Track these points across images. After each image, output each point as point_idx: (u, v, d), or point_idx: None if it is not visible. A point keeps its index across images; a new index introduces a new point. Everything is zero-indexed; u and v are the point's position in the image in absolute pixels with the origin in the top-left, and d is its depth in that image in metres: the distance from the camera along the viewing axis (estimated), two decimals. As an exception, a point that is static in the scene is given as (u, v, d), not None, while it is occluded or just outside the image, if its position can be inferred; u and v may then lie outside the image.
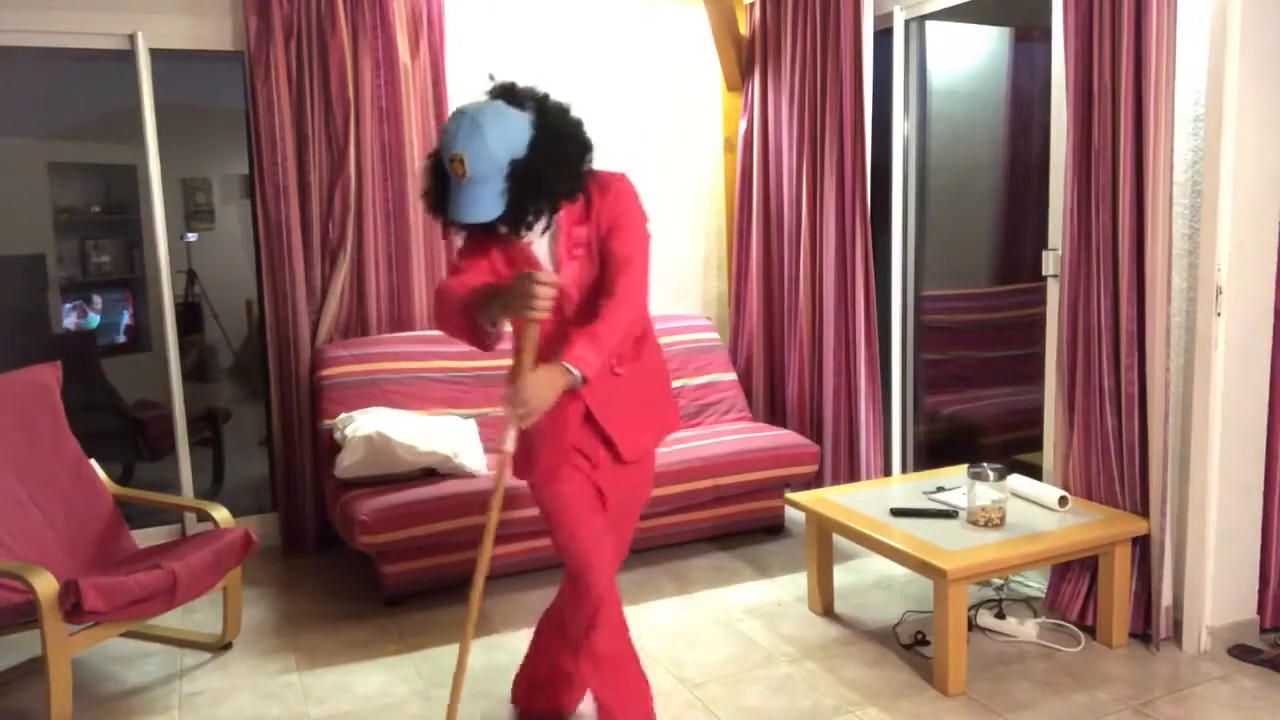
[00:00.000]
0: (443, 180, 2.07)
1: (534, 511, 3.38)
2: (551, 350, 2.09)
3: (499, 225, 2.06)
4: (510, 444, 2.07)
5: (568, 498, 2.26)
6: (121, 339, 6.30)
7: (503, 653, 3.05)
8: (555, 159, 2.02)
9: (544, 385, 1.97)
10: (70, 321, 6.03)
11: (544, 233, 2.14)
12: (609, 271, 2.12)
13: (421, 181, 2.14)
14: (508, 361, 4.10)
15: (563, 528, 2.26)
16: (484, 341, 2.15)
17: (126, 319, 6.37)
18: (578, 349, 2.00)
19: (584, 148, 2.11)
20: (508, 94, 2.08)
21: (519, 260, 2.18)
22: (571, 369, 1.99)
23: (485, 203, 2.00)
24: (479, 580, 2.12)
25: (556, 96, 2.12)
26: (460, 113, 2.01)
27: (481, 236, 2.18)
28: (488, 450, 3.72)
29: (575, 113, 2.12)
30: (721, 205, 4.80)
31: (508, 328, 2.22)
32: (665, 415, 2.41)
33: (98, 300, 6.22)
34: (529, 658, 2.62)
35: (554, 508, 2.27)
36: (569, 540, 2.25)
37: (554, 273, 2.15)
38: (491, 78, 2.11)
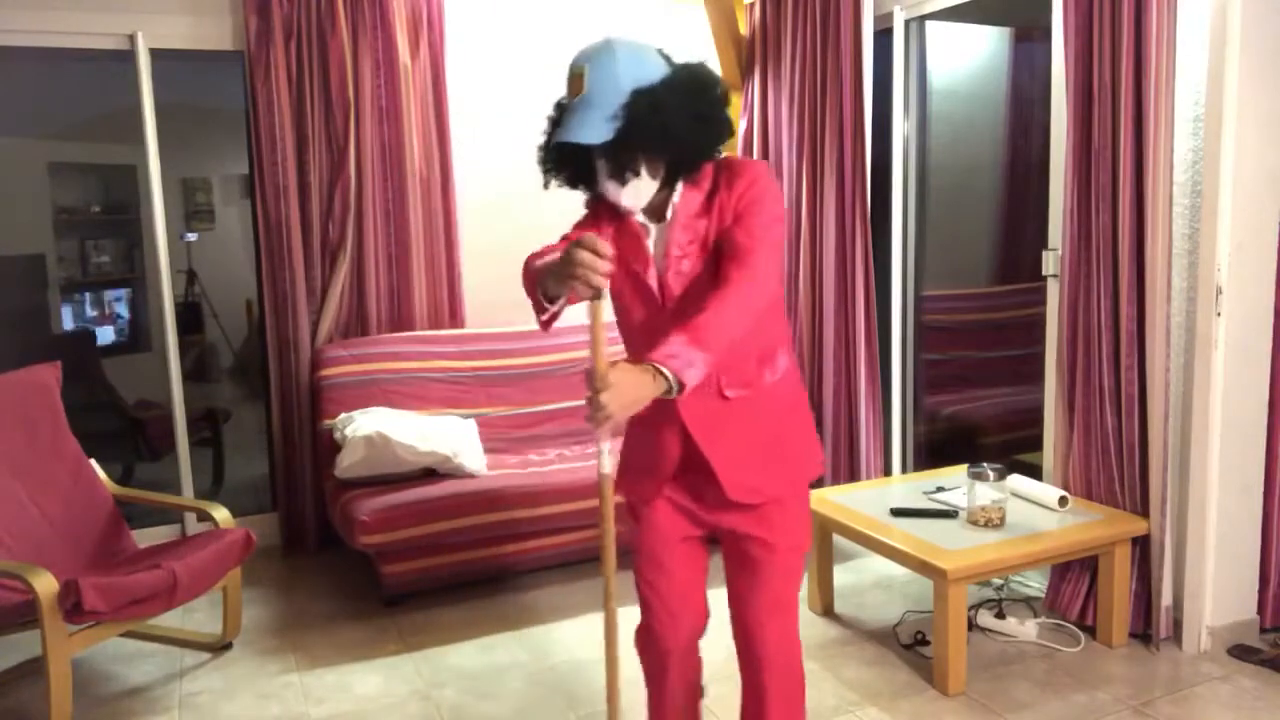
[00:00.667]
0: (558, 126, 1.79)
1: (527, 512, 3.38)
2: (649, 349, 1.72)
3: (599, 160, 1.78)
4: (607, 464, 1.75)
5: (660, 539, 1.97)
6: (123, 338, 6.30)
7: (502, 653, 3.05)
8: (681, 106, 1.73)
9: (626, 387, 1.59)
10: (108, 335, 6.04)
11: (660, 221, 1.85)
12: (725, 262, 1.76)
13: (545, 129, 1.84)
14: (509, 361, 4.11)
15: (637, 566, 2.00)
16: (540, 318, 1.84)
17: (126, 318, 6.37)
18: (671, 345, 1.62)
19: (720, 115, 1.80)
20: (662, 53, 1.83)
21: (628, 245, 1.87)
22: (663, 370, 1.60)
23: (593, 124, 1.71)
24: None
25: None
26: (603, 38, 1.78)
27: (599, 213, 1.91)
28: (487, 450, 3.72)
29: (723, 86, 1.85)
30: (721, 205, 4.79)
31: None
32: (798, 456, 1.97)
33: (120, 311, 6.24)
34: None
35: (638, 541, 1.99)
36: (638, 581, 2.01)
37: (660, 267, 1.85)
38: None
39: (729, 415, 1.88)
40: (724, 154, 1.86)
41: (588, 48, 1.76)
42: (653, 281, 1.86)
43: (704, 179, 1.82)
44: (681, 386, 1.62)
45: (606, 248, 1.63)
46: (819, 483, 4.10)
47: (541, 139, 1.84)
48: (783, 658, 1.97)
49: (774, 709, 1.98)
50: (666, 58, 1.81)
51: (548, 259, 1.77)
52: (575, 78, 1.75)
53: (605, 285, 1.65)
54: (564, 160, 1.82)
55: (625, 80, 1.71)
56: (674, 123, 1.72)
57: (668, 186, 1.81)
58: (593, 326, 1.69)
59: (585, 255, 1.60)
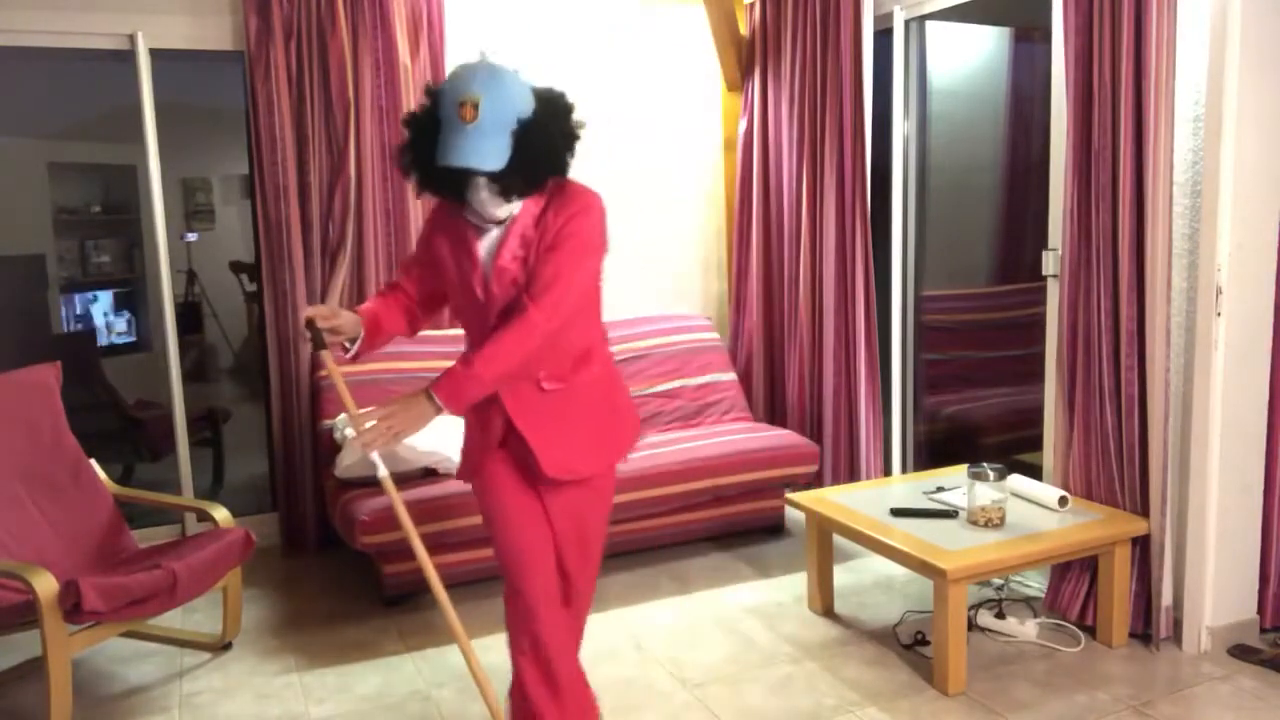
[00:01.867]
0: (428, 133, 1.97)
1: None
2: (477, 336, 2.12)
3: (489, 185, 1.97)
4: (382, 470, 2.10)
5: (496, 495, 2.19)
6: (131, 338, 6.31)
7: (501, 654, 3.05)
8: (556, 132, 1.99)
9: (408, 412, 1.98)
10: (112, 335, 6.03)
11: (499, 226, 2.06)
12: (528, 290, 2.02)
13: (408, 141, 2.02)
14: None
15: (492, 525, 2.20)
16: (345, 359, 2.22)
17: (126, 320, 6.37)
18: (448, 376, 1.98)
19: (575, 135, 2.05)
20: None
21: (459, 245, 2.11)
22: (435, 399, 1.97)
23: (489, 153, 1.91)
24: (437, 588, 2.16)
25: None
26: (473, 64, 1.94)
27: (443, 218, 2.13)
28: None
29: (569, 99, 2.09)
30: (721, 205, 4.80)
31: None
32: (609, 438, 2.24)
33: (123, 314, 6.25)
34: None
35: (483, 505, 2.22)
36: (497, 539, 2.20)
37: (484, 272, 2.09)
38: (483, 54, 2.03)
39: (546, 405, 2.15)
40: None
41: (473, 74, 1.92)
42: (477, 283, 2.08)
43: (542, 193, 2.06)
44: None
45: (306, 318, 2.10)
46: (818, 479, 4.10)
47: (407, 149, 2.02)
48: (588, 595, 2.34)
49: (576, 627, 2.33)
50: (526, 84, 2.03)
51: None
52: (468, 105, 1.90)
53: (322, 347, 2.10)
54: (442, 176, 1.98)
55: (513, 109, 1.93)
56: (554, 151, 1.99)
57: (521, 199, 2.04)
58: (331, 376, 2.17)
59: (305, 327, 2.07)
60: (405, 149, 2.02)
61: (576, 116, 2.05)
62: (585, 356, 2.18)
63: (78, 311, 6.12)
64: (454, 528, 3.28)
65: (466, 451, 2.26)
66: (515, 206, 2.03)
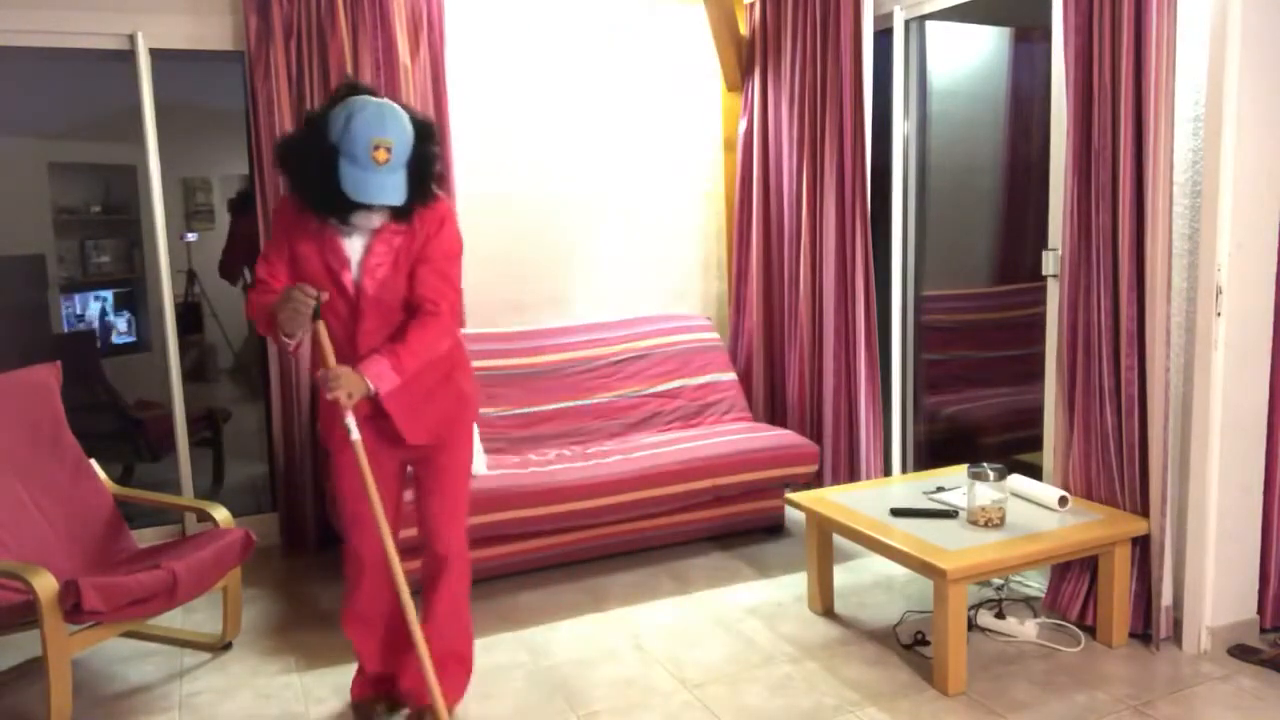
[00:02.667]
0: (323, 167, 2.19)
1: (527, 512, 3.38)
2: (345, 345, 2.38)
3: (390, 209, 2.29)
4: (354, 431, 2.35)
5: (348, 466, 2.50)
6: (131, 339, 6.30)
7: (502, 653, 3.05)
8: (433, 159, 2.31)
9: (353, 383, 2.28)
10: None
11: (366, 231, 2.34)
12: (422, 293, 2.35)
13: (290, 166, 2.26)
14: (509, 361, 4.11)
15: (340, 492, 2.54)
16: (286, 350, 2.41)
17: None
18: (378, 368, 2.30)
19: (439, 159, 2.39)
20: (371, 93, 2.27)
21: (328, 246, 2.34)
22: (369, 383, 2.29)
23: (399, 187, 2.23)
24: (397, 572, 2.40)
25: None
26: (373, 101, 2.20)
27: (299, 219, 2.34)
28: (487, 450, 3.72)
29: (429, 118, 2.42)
30: (721, 205, 4.80)
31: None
32: (458, 407, 2.55)
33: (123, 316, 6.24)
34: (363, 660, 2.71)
35: (338, 471, 2.53)
36: (343, 507, 2.54)
37: (359, 269, 2.35)
38: (348, 77, 2.36)
39: (405, 384, 2.40)
40: None
41: (382, 117, 2.17)
42: (348, 280, 2.35)
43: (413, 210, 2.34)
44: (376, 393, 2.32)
45: (318, 293, 2.28)
46: (818, 479, 4.10)
47: (302, 184, 2.26)
48: (461, 556, 2.60)
49: (450, 593, 2.59)
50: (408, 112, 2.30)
51: (270, 304, 2.32)
52: (381, 149, 2.17)
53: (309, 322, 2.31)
54: (336, 200, 2.22)
55: (408, 145, 2.23)
56: (433, 172, 2.32)
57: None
58: (319, 341, 2.33)
59: (299, 294, 2.24)
60: (301, 175, 2.25)
61: (435, 129, 2.37)
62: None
63: (78, 311, 6.12)
64: (454, 528, 3.28)
65: (334, 425, 2.47)
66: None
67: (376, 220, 2.30)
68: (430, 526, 2.57)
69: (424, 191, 2.31)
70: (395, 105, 2.23)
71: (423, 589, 2.62)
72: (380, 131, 2.16)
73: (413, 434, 2.47)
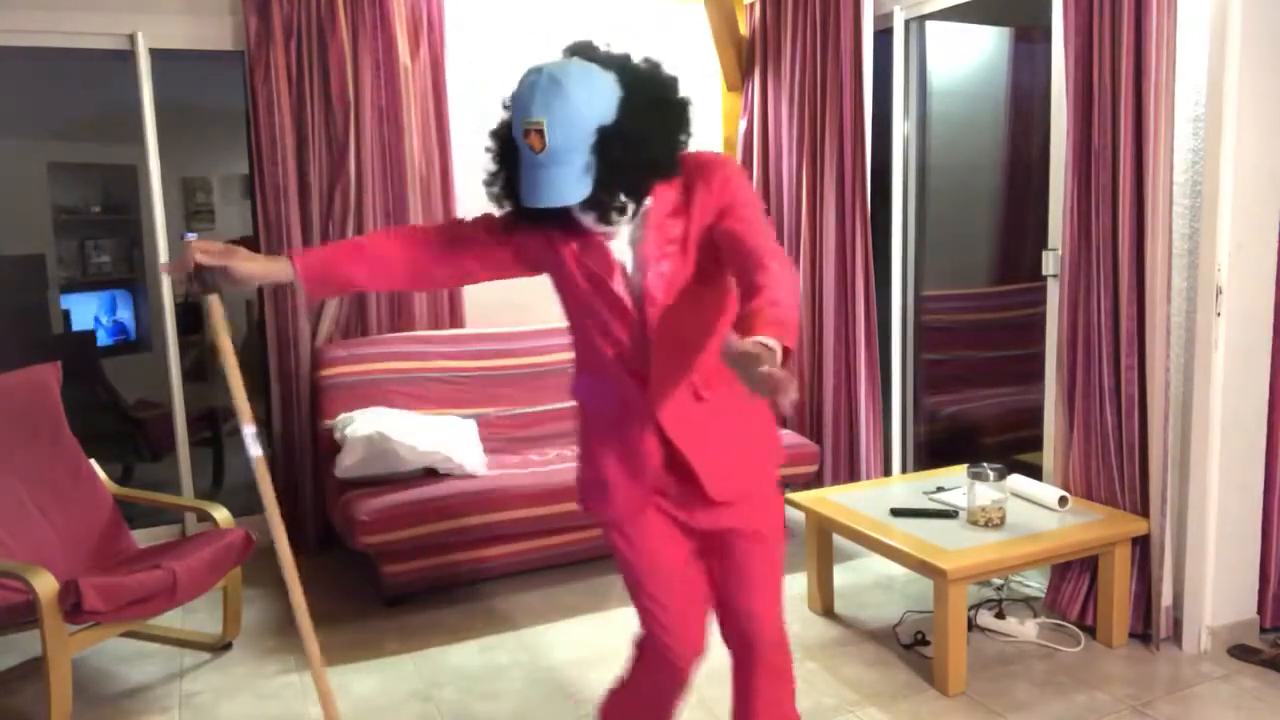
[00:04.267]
0: (511, 162, 1.70)
1: (527, 512, 3.37)
2: (627, 386, 1.79)
3: (584, 212, 1.68)
4: (257, 448, 1.79)
5: (651, 546, 1.88)
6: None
7: (502, 653, 3.05)
8: (652, 125, 1.63)
9: (778, 356, 1.41)
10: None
11: (630, 222, 1.73)
12: (737, 252, 1.63)
13: (491, 165, 1.76)
14: (509, 361, 4.10)
15: (639, 583, 1.90)
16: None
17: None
18: (774, 325, 1.45)
19: (682, 114, 1.70)
20: (587, 52, 1.67)
21: (594, 258, 1.75)
22: (769, 342, 1.42)
23: (567, 182, 1.60)
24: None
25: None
26: (536, 70, 1.60)
27: (546, 225, 1.76)
28: (487, 450, 3.72)
29: (667, 70, 1.72)
30: (721, 205, 4.79)
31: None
32: (766, 448, 1.95)
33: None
34: None
35: (634, 557, 1.90)
36: (642, 600, 1.90)
37: (636, 273, 1.75)
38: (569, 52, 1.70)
39: (705, 416, 1.81)
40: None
41: (534, 90, 1.58)
42: (620, 289, 1.74)
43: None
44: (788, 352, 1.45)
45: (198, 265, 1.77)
46: (818, 479, 4.10)
47: (490, 180, 1.77)
48: (782, 647, 1.96)
49: (775, 699, 1.97)
50: (606, 59, 1.65)
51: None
52: (534, 132, 1.58)
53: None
54: (533, 215, 1.70)
55: (588, 120, 1.58)
56: (652, 151, 1.64)
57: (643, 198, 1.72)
58: (220, 347, 1.89)
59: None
60: (495, 175, 1.76)
61: (672, 78, 1.70)
62: None
63: (76, 312, 6.13)
64: (454, 528, 3.28)
65: (604, 487, 1.90)
66: (631, 214, 1.72)
67: (603, 224, 1.72)
68: (739, 611, 1.91)
69: (630, 177, 1.64)
70: (571, 69, 1.59)
71: (734, 688, 2.00)
72: (527, 109, 1.58)
73: (719, 488, 1.82)
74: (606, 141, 1.59)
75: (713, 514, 1.86)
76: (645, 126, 1.62)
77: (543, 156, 1.58)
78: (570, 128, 1.57)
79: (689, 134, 1.71)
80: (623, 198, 1.65)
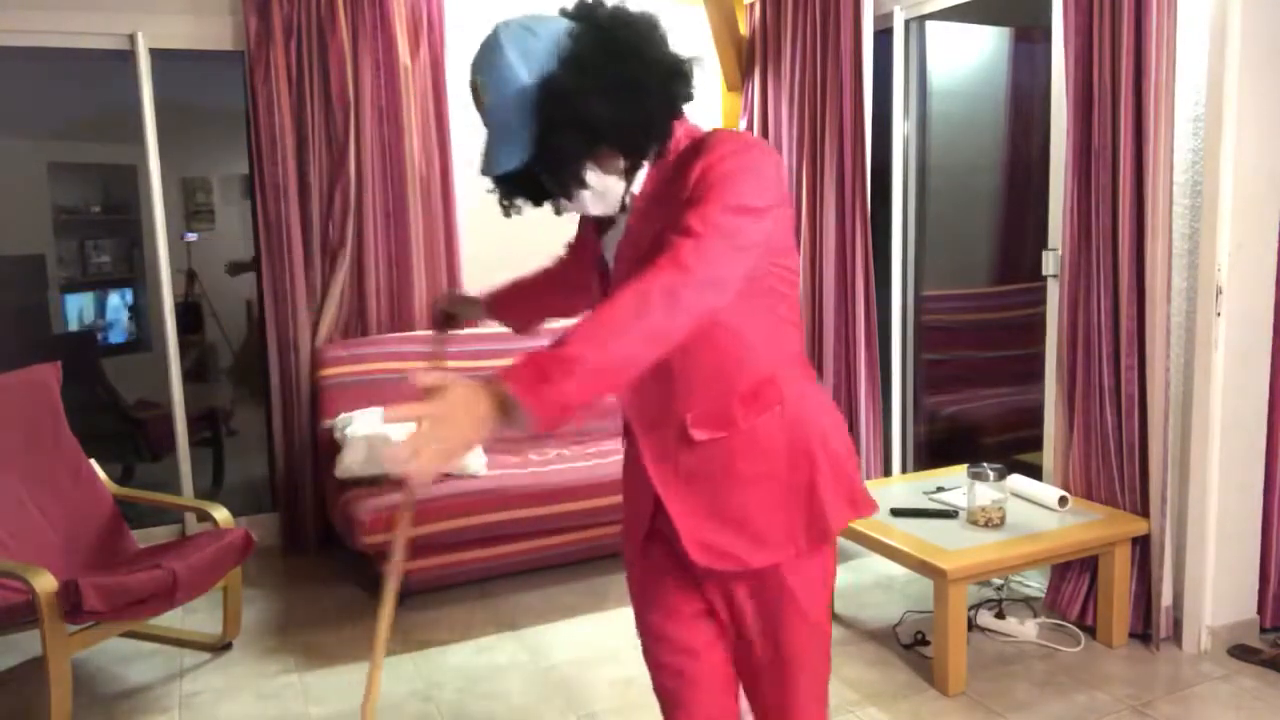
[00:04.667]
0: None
1: (527, 512, 3.37)
2: (652, 401, 1.48)
3: (539, 175, 1.41)
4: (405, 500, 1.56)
5: (650, 606, 1.60)
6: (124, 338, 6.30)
7: (502, 653, 3.05)
8: (595, 79, 1.32)
9: (456, 411, 1.16)
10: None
11: (624, 210, 1.46)
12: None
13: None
14: (509, 361, 4.11)
15: (646, 650, 1.62)
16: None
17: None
18: (528, 368, 1.18)
19: (647, 68, 1.38)
20: (564, 10, 1.43)
21: (588, 254, 1.59)
22: (505, 393, 1.16)
23: (499, 147, 1.37)
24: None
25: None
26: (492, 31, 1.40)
27: (561, 210, 1.50)
28: (487, 450, 3.72)
29: (644, 17, 1.42)
30: (721, 205, 4.79)
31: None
32: (795, 511, 1.46)
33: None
34: None
35: (639, 619, 1.63)
36: (653, 671, 1.62)
37: (614, 273, 1.49)
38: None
39: (696, 461, 1.46)
40: (715, 127, 1.49)
41: (481, 46, 1.39)
42: (598, 292, 1.55)
43: (672, 154, 1.43)
44: (535, 418, 1.17)
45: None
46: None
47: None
48: None
49: None
50: (576, 10, 1.41)
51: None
52: (474, 91, 1.39)
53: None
54: (509, 187, 1.46)
55: (521, 75, 1.33)
56: (592, 111, 1.32)
57: (636, 172, 1.43)
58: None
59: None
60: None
61: (647, 26, 1.42)
62: (762, 387, 1.45)
63: (73, 312, 6.13)
64: (454, 528, 3.28)
65: (624, 523, 1.66)
66: (617, 190, 1.43)
67: (593, 203, 1.44)
68: (765, 713, 1.56)
69: (563, 148, 1.35)
70: (518, 20, 1.37)
71: None
72: (472, 68, 1.39)
73: (698, 549, 1.47)
74: (541, 100, 1.33)
75: (720, 587, 1.52)
76: (589, 82, 1.32)
77: (485, 118, 1.39)
78: (501, 86, 1.34)
79: (669, 93, 1.41)
80: (581, 168, 1.38)
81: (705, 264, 1.26)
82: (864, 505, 1.52)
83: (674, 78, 1.42)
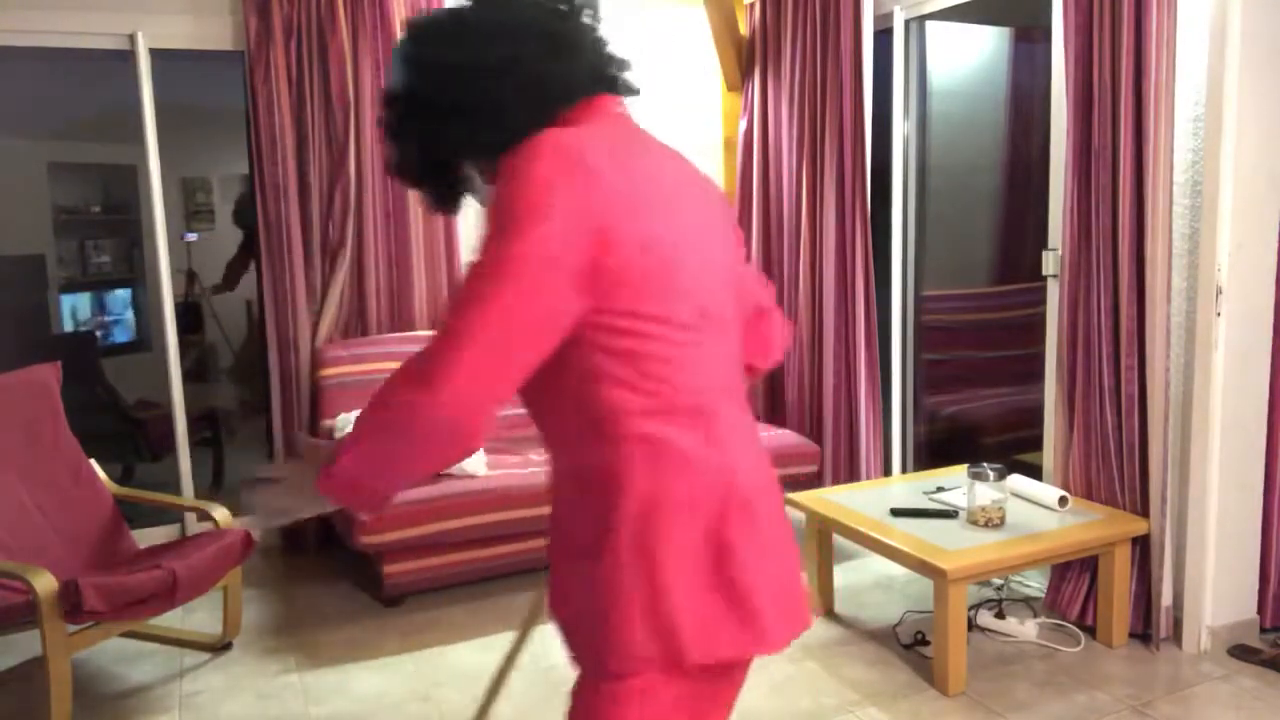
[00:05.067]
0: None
1: (527, 512, 3.37)
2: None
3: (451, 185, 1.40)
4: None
5: None
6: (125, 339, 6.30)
7: (501, 653, 3.05)
8: (416, 72, 1.25)
9: (294, 479, 1.23)
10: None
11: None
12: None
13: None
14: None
15: None
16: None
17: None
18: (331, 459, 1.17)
19: (459, 70, 1.23)
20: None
21: None
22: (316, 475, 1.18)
23: (398, 163, 1.35)
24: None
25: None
26: None
27: None
28: (487, 450, 3.72)
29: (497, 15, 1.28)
30: (721, 205, 4.79)
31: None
32: (590, 581, 1.19)
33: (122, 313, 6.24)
34: None
35: None
36: None
37: None
38: None
39: (556, 492, 1.31)
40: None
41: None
42: None
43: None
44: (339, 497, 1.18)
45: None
46: (818, 479, 4.09)
47: None
48: None
49: None
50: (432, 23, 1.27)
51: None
52: None
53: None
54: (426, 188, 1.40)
55: (395, 74, 1.29)
56: (405, 109, 1.27)
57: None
58: None
59: None
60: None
61: (460, 21, 1.26)
62: (586, 430, 1.22)
63: (71, 312, 6.13)
64: (454, 528, 3.28)
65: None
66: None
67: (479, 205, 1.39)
68: None
69: (422, 162, 1.32)
70: (421, 22, 1.28)
71: None
72: None
73: (552, 597, 1.27)
74: (405, 115, 1.28)
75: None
76: (405, 94, 1.26)
77: None
78: (396, 98, 1.29)
79: (505, 98, 1.24)
80: (436, 186, 1.36)
81: (441, 368, 1.08)
82: (694, 647, 1.14)
83: (502, 79, 1.26)
